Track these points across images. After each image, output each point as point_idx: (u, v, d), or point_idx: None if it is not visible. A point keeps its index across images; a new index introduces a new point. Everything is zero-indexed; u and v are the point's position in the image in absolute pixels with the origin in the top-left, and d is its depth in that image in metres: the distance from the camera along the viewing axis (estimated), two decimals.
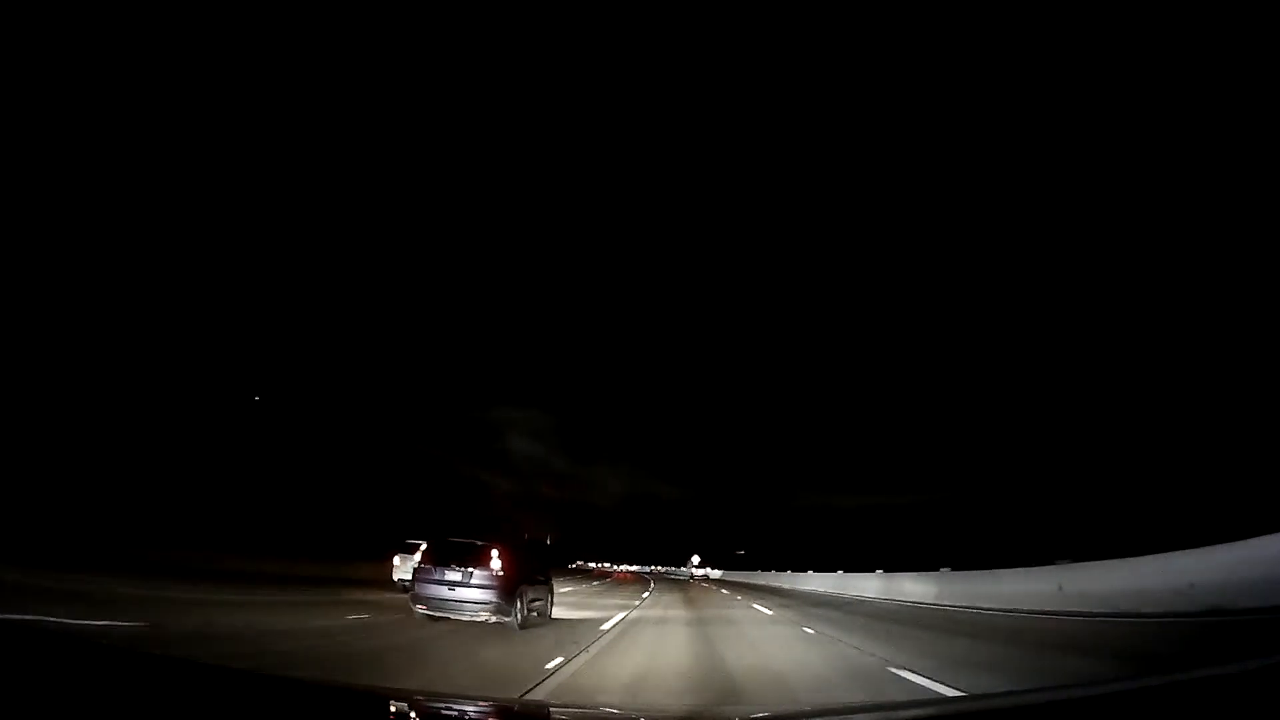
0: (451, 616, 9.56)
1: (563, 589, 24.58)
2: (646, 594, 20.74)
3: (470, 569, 9.65)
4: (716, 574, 75.05)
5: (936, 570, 16.70)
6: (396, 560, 16.42)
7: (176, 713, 1.53)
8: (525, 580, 10.23)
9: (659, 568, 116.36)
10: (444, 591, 9.61)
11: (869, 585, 19.98)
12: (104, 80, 25.51)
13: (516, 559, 10.10)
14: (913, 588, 17.08)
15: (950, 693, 4.98)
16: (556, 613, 12.08)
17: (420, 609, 9.73)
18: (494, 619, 9.48)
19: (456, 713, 2.44)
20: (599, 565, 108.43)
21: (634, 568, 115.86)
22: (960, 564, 16.35)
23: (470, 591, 9.56)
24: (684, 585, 34.78)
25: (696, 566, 78.22)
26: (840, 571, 25.69)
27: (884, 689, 5.33)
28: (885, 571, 19.58)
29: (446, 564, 9.74)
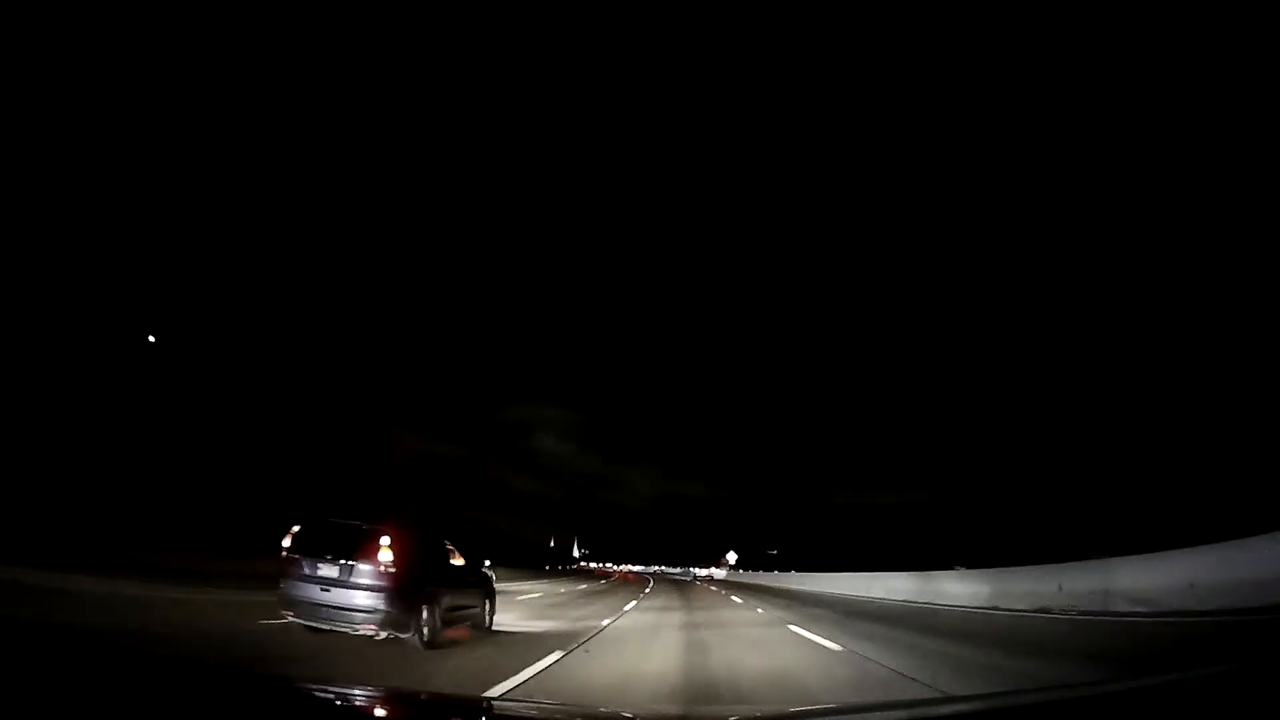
0: (324, 627, 6.53)
1: (557, 589, 22.65)
2: (634, 601, 16.24)
3: (351, 562, 6.63)
4: (720, 574, 70.69)
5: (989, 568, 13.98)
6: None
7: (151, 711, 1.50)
8: (436, 580, 7.20)
9: (664, 568, 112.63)
10: (315, 593, 6.59)
11: (899, 586, 16.86)
12: (106, 80, 25.08)
13: (417, 549, 7.08)
14: (957, 589, 14.01)
15: None
16: (508, 623, 9.21)
17: (289, 615, 6.65)
18: (384, 634, 6.48)
19: (430, 711, 2.37)
20: (601, 565, 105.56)
21: (636, 568, 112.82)
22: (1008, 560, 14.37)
23: (349, 594, 6.53)
24: (683, 588, 31.31)
25: (700, 568, 74.85)
26: (866, 572, 22.77)
27: None
28: (922, 571, 16.53)
29: (320, 554, 6.70)
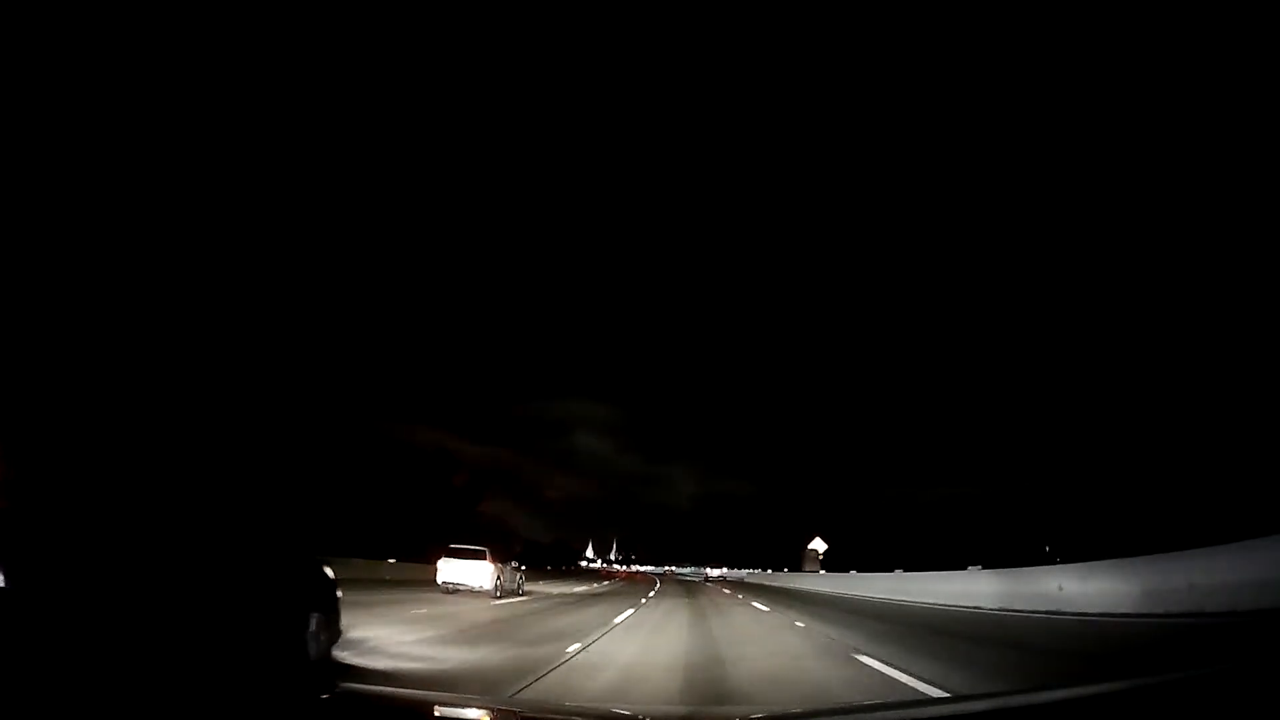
0: None
1: (549, 590, 20.65)
2: (629, 612, 12.01)
3: None
4: (737, 574, 66.14)
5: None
6: (441, 564, 16.14)
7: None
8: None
9: (674, 568, 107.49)
10: None
11: (983, 589, 12.76)
12: (113, 82, 25.38)
13: None
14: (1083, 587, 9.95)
15: None
16: (395, 648, 5.76)
17: None
18: None
19: (442, 712, 2.20)
20: (605, 566, 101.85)
21: (644, 568, 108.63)
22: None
23: None
24: (693, 593, 26.65)
25: (710, 568, 70.22)
26: (901, 571, 19.20)
27: None
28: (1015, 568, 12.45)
29: None
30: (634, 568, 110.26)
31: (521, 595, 17.23)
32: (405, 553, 30.83)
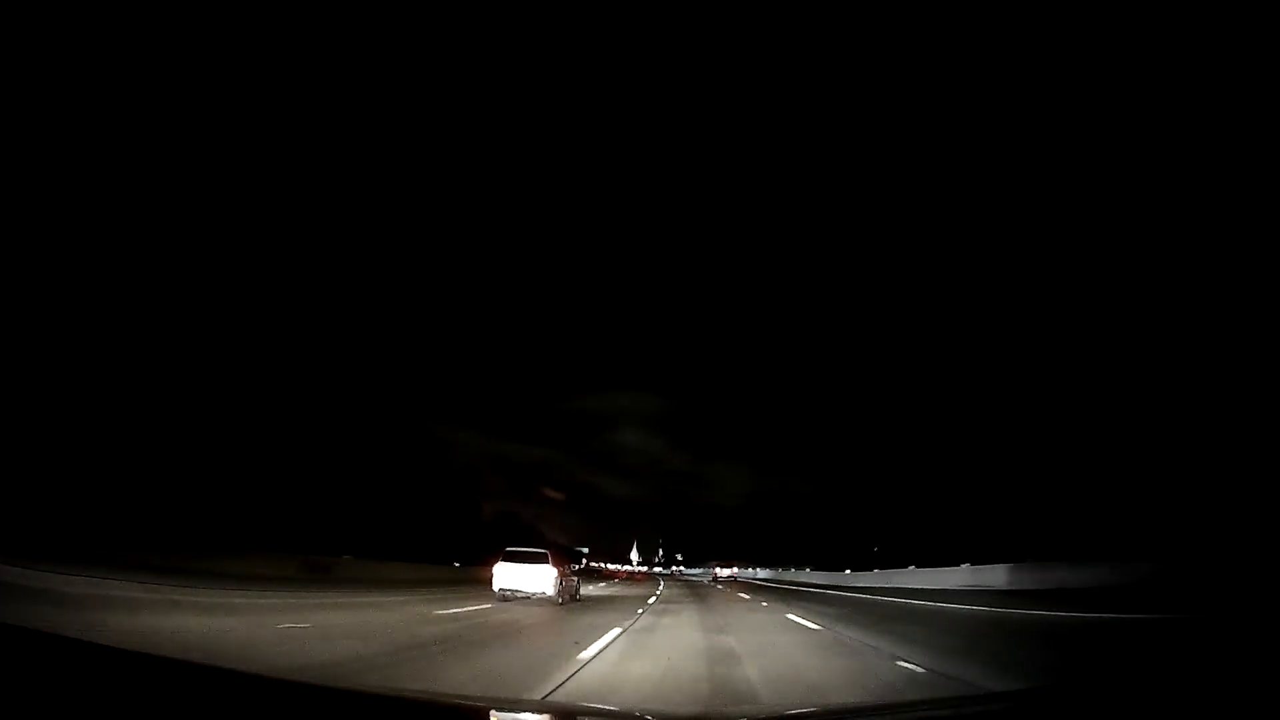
0: None
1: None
2: (612, 635, 8.44)
3: None
4: (763, 574, 59.19)
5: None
6: (497, 569, 14.97)
7: (180, 714, 1.48)
8: None
9: (682, 569, 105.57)
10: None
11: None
12: (105, 80, 23.98)
13: None
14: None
15: None
16: None
17: None
18: None
19: (465, 714, 2.38)
20: (604, 566, 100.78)
21: (649, 569, 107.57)
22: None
23: None
24: (700, 595, 23.68)
25: (723, 567, 65.20)
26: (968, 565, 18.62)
27: None
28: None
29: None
30: (630, 568, 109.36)
31: (579, 600, 16.51)
32: (429, 555, 30.44)
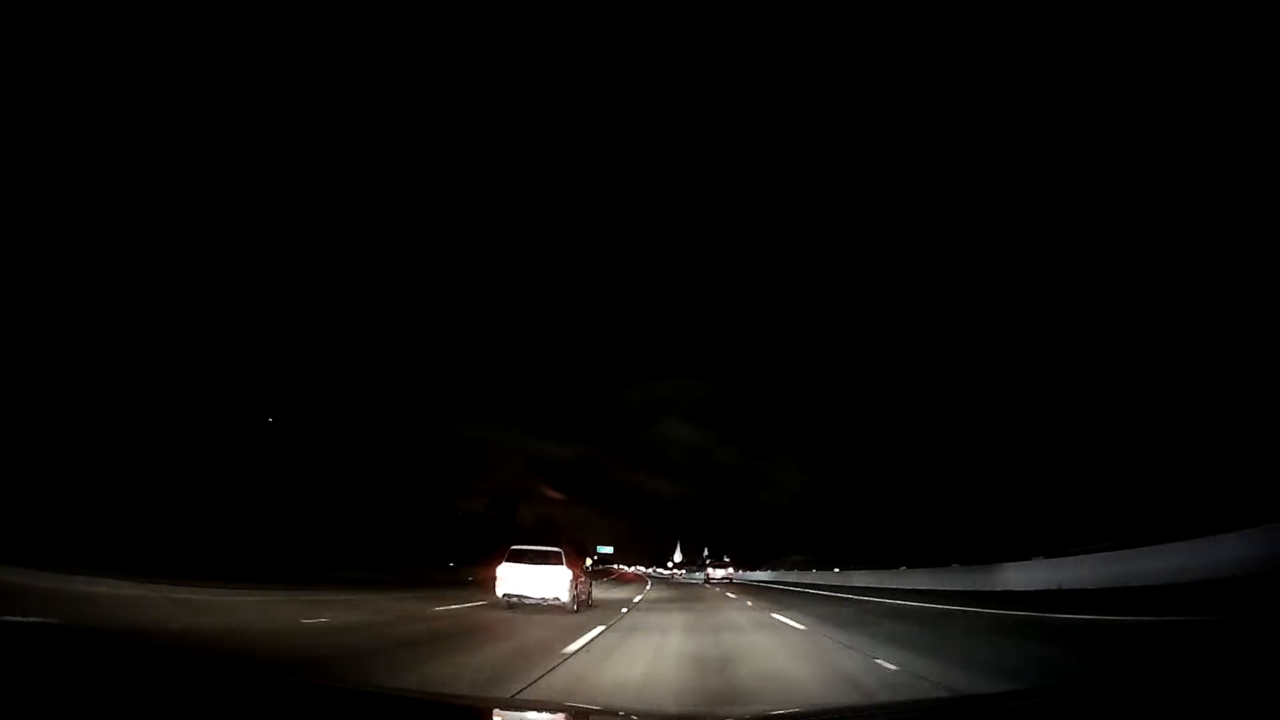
0: None
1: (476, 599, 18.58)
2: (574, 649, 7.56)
3: None
4: (763, 575, 56.41)
5: None
6: (500, 570, 13.01)
7: (174, 712, 1.51)
8: None
9: (679, 570, 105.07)
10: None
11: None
12: (103, 81, 24.19)
13: None
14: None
15: None
16: None
17: None
18: None
19: (447, 712, 2.34)
20: (622, 568, 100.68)
21: (643, 569, 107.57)
22: None
23: None
24: (690, 597, 21.96)
25: (711, 567, 62.78)
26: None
27: None
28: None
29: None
30: (638, 568, 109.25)
31: (592, 606, 14.52)
32: (443, 559, 30.56)
